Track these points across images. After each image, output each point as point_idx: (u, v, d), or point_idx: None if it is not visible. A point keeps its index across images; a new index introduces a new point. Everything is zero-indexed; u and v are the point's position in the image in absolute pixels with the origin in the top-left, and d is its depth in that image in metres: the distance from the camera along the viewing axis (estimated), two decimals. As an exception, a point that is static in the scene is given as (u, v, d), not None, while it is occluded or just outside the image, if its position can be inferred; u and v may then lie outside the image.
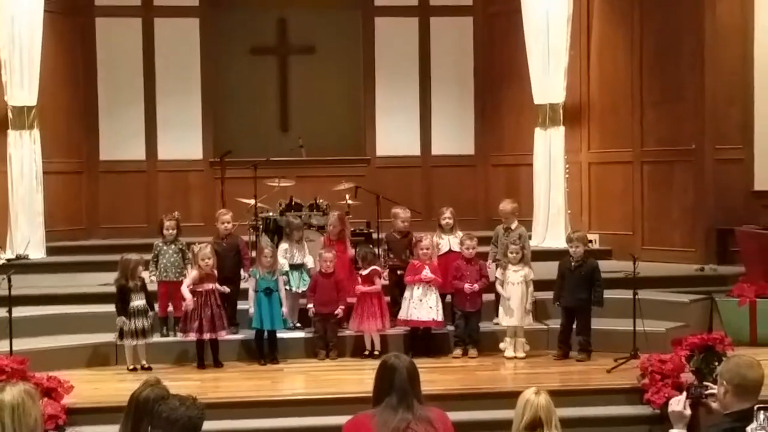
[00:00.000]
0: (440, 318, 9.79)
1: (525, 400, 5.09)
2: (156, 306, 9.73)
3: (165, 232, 10.01)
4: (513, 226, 10.37)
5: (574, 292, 9.57)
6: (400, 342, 9.82)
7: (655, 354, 8.52)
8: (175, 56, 14.25)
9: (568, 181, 13.15)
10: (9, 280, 8.82)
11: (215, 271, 9.56)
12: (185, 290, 9.41)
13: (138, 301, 9.33)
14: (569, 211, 13.10)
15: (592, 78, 13.32)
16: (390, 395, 4.69)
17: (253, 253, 10.83)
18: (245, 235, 11.56)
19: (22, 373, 7.72)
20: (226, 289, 9.60)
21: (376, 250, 10.42)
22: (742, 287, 10.21)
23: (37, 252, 12.54)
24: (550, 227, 13.00)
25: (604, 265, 11.48)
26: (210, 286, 9.44)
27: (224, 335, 9.52)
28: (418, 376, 4.84)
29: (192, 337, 9.38)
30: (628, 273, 9.86)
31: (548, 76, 13.08)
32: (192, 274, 9.56)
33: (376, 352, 9.69)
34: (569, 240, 9.88)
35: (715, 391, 5.17)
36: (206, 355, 9.48)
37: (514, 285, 9.71)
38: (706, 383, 5.81)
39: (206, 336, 9.37)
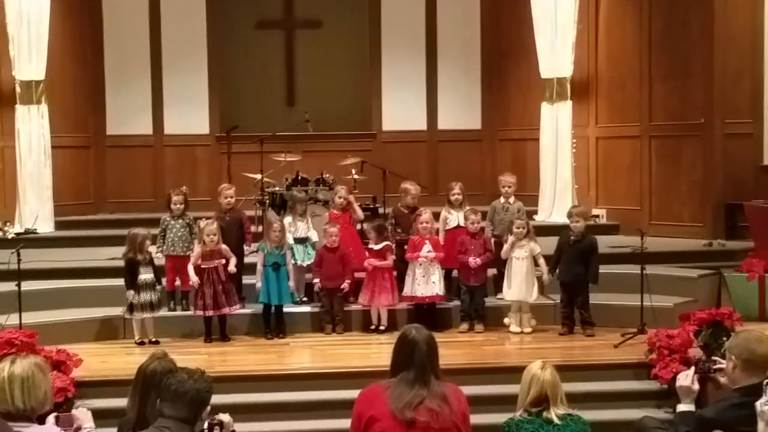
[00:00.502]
0: (442, 292, 9.81)
1: (531, 375, 5.10)
2: (164, 280, 9.76)
3: (172, 206, 10.01)
4: (511, 201, 10.39)
5: (571, 267, 9.53)
6: (405, 317, 9.83)
7: (663, 329, 8.51)
8: (182, 30, 14.21)
9: (575, 156, 13.10)
10: (18, 254, 8.83)
11: (222, 246, 9.53)
12: (190, 269, 9.42)
13: (146, 275, 9.35)
14: (576, 186, 13.08)
15: (600, 52, 13.26)
16: (408, 370, 4.64)
17: (259, 228, 10.84)
18: (251, 209, 11.57)
19: (32, 347, 7.74)
20: (233, 269, 9.55)
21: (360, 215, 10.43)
22: (750, 262, 10.18)
23: (45, 226, 12.57)
24: (557, 202, 12.96)
25: (611, 240, 11.58)
26: (215, 262, 9.43)
27: (229, 311, 9.50)
28: (437, 351, 4.78)
29: (200, 313, 9.42)
30: (636, 248, 9.85)
31: (556, 50, 13.01)
32: (196, 250, 9.56)
33: (382, 327, 9.71)
34: (569, 215, 9.83)
35: (723, 366, 5.17)
36: (213, 329, 9.50)
37: (519, 260, 9.69)
38: (714, 358, 5.81)
39: (210, 313, 9.39)
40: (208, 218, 9.85)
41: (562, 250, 9.66)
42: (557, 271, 9.64)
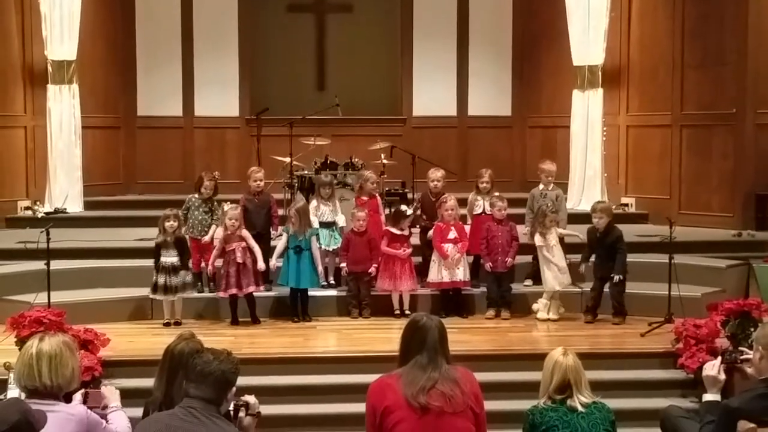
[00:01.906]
0: (468, 277, 9.81)
1: (553, 361, 5.09)
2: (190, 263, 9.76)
3: (203, 189, 10.00)
4: (550, 188, 10.35)
5: (603, 262, 9.46)
6: (429, 302, 9.84)
7: (690, 319, 8.46)
8: (213, 12, 14.25)
9: (605, 144, 13.06)
10: (47, 233, 8.88)
11: (243, 232, 9.45)
12: (213, 254, 9.43)
13: (167, 258, 9.31)
14: (606, 174, 13.03)
15: (632, 40, 13.16)
16: (420, 354, 4.67)
17: (287, 212, 10.86)
18: (280, 192, 11.59)
19: (60, 325, 7.78)
20: (262, 266, 9.41)
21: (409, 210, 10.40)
22: (779, 253, 10.12)
23: (74, 206, 12.69)
24: (586, 190, 12.95)
25: (640, 229, 11.52)
26: (234, 245, 9.34)
27: (244, 292, 9.41)
28: (446, 336, 4.81)
29: (222, 294, 9.44)
30: (665, 237, 9.79)
31: (588, 38, 12.96)
32: (219, 233, 9.55)
33: (407, 312, 9.69)
34: (593, 210, 9.66)
35: (750, 356, 5.15)
36: (242, 313, 9.49)
37: (551, 246, 9.63)
38: (741, 348, 5.78)
39: (232, 291, 9.36)
40: (233, 202, 9.84)
41: (592, 246, 9.60)
42: (591, 265, 9.58)
